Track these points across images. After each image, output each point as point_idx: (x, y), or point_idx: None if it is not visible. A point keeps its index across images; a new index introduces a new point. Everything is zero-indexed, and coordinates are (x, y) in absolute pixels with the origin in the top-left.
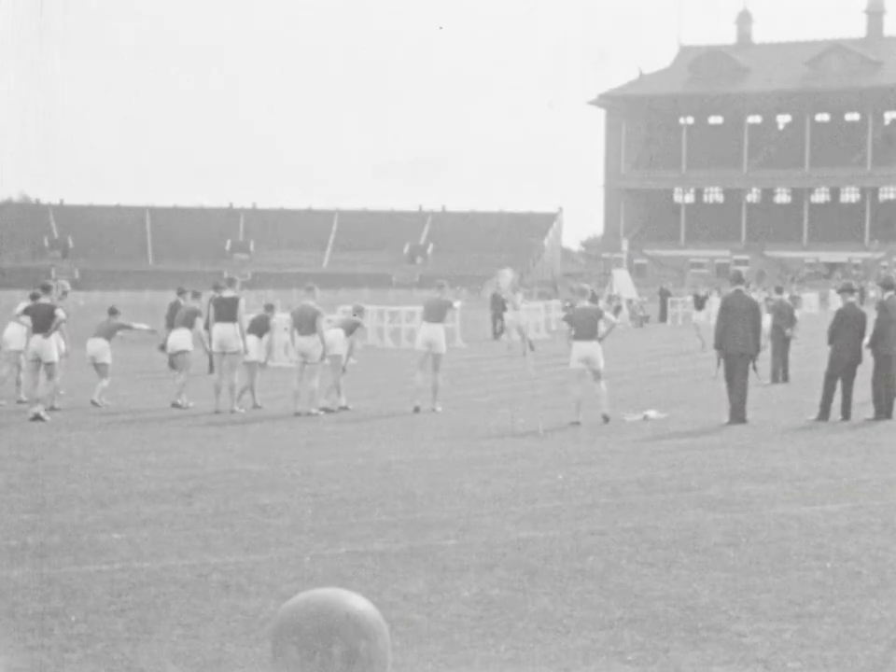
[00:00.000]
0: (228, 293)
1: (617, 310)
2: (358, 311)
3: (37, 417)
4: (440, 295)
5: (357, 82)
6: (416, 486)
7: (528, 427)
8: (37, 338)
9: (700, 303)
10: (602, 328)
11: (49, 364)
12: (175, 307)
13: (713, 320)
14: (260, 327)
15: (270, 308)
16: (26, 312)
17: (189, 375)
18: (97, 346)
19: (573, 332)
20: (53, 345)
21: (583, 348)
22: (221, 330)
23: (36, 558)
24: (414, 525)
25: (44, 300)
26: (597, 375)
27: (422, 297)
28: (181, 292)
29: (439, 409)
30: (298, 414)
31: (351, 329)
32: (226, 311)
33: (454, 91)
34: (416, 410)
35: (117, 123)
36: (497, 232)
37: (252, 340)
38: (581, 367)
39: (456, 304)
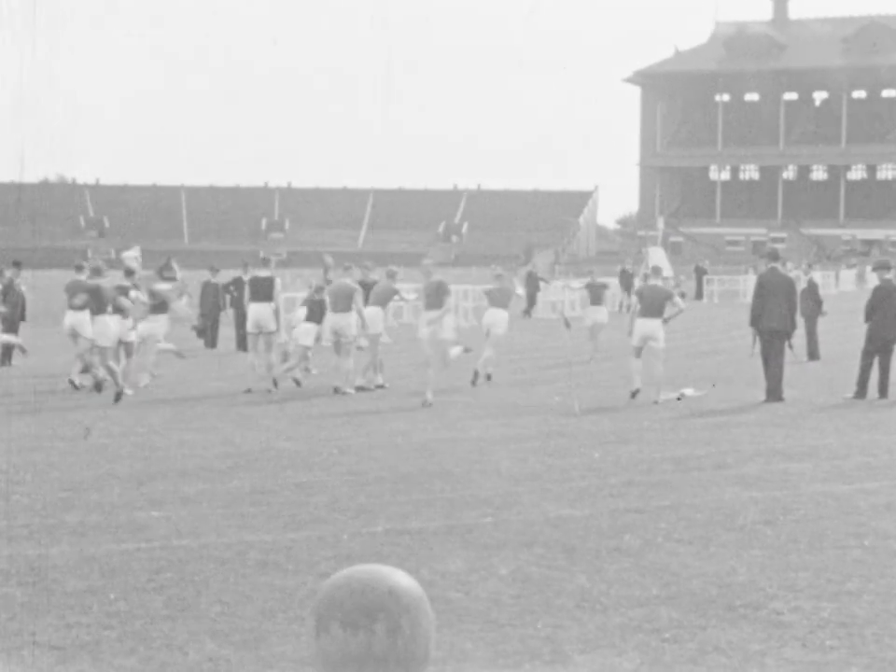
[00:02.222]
0: (263, 273)
1: None
2: (391, 274)
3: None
4: (430, 280)
5: (392, 60)
6: (453, 465)
7: (565, 405)
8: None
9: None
10: (669, 310)
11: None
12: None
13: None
14: (383, 297)
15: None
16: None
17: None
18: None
19: (639, 308)
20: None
21: (647, 325)
22: (257, 310)
23: (75, 536)
24: (452, 504)
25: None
26: (657, 354)
27: (457, 275)
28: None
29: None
30: (336, 391)
31: (386, 300)
32: (261, 291)
33: (490, 68)
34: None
35: (152, 103)
36: (532, 211)
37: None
38: (641, 344)
39: (520, 291)
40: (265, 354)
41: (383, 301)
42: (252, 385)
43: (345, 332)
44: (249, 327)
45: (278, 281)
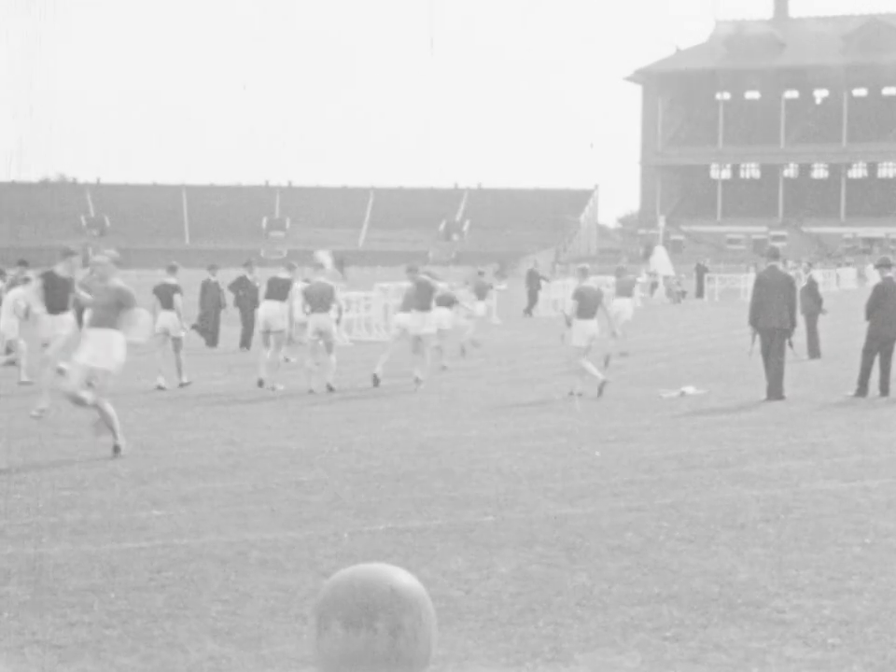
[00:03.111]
0: (284, 275)
1: (653, 287)
2: (477, 277)
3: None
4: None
5: (392, 57)
6: (454, 463)
7: (565, 403)
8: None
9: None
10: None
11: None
12: (207, 285)
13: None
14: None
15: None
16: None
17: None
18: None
19: (578, 310)
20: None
21: (589, 326)
22: (268, 308)
23: (76, 535)
24: (453, 502)
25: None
26: (607, 347)
27: (457, 274)
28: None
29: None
30: (312, 392)
31: (449, 302)
32: (276, 290)
33: (491, 66)
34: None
35: (152, 102)
36: (533, 209)
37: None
38: (587, 344)
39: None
40: (273, 351)
41: (448, 303)
42: (264, 376)
43: (327, 331)
44: (260, 325)
45: (296, 285)
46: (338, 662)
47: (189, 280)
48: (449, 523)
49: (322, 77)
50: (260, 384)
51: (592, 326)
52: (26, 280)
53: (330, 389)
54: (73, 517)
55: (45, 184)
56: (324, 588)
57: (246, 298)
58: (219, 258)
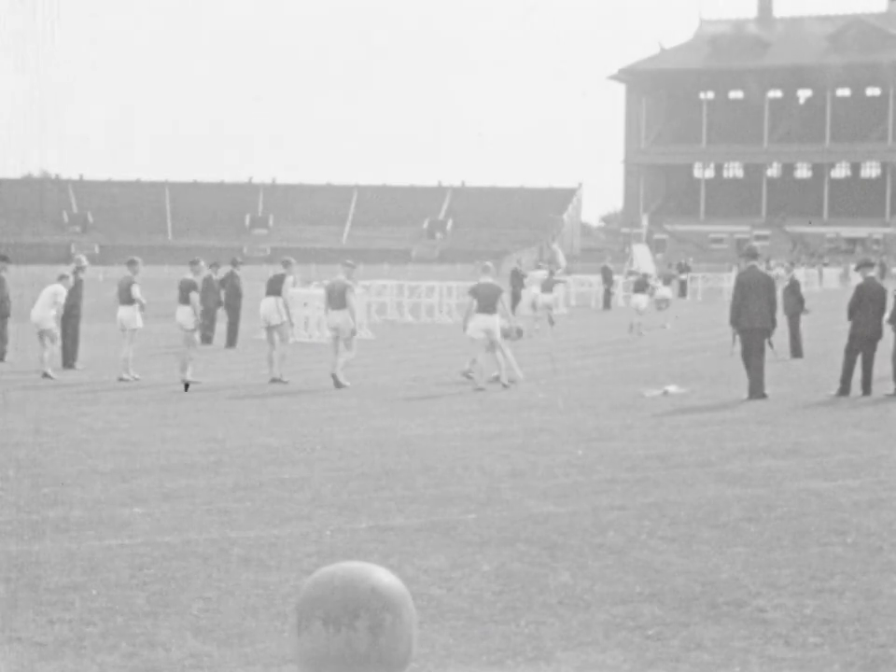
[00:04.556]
0: (280, 271)
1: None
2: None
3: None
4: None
5: (375, 56)
6: (436, 461)
7: (548, 402)
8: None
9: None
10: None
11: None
12: (208, 282)
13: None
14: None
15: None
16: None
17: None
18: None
19: (476, 305)
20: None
21: (485, 320)
22: (265, 304)
23: (58, 532)
24: (435, 500)
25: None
26: (494, 345)
27: (441, 272)
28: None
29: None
30: (334, 378)
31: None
32: (273, 286)
33: (475, 65)
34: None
35: (136, 98)
36: (516, 208)
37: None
38: (482, 336)
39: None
40: (278, 345)
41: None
42: (274, 375)
43: (343, 329)
44: (261, 321)
45: (289, 279)
46: (318, 660)
47: (171, 277)
48: (431, 521)
49: (306, 74)
50: (273, 381)
51: (487, 320)
52: (62, 277)
53: (338, 385)
54: (55, 514)
55: (27, 180)
56: (304, 586)
57: (232, 296)
58: (202, 255)
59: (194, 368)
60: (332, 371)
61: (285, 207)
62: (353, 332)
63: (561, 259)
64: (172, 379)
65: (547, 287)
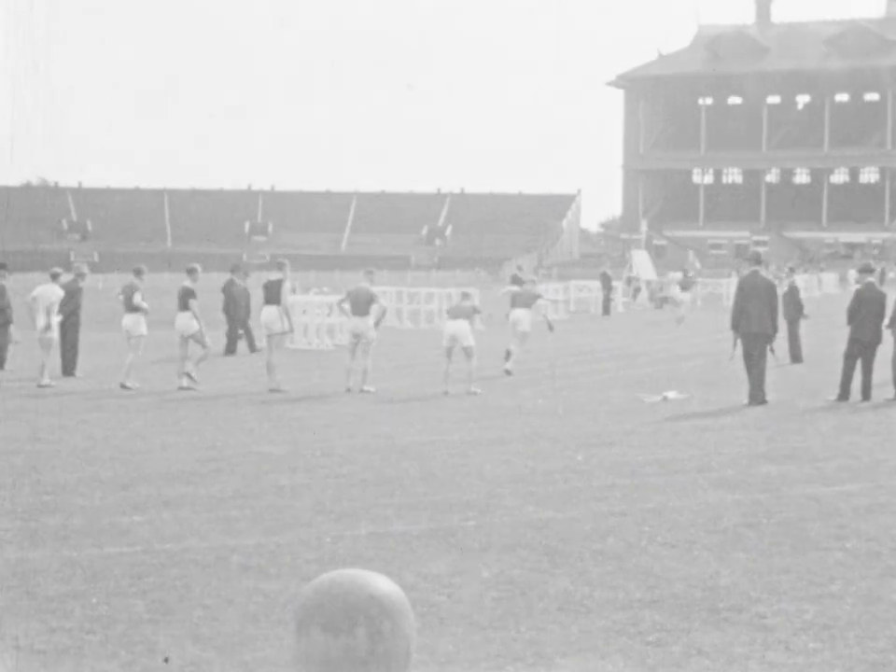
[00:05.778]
0: (275, 275)
1: (636, 291)
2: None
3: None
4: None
5: (376, 64)
6: (436, 467)
7: (547, 408)
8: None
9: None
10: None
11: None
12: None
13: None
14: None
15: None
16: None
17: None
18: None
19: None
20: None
21: (357, 323)
22: (266, 312)
23: (58, 540)
24: (435, 507)
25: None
26: (469, 353)
27: (440, 278)
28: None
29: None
30: (349, 391)
31: (531, 302)
32: (272, 294)
33: (473, 71)
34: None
35: (134, 106)
36: (515, 214)
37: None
38: (450, 344)
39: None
40: (275, 353)
41: (528, 303)
42: (274, 385)
43: (365, 335)
44: (263, 329)
45: (286, 284)
46: (317, 667)
47: (170, 285)
48: (431, 527)
49: (305, 81)
50: (272, 391)
51: (358, 323)
52: (55, 276)
53: (363, 391)
54: (54, 522)
55: (27, 188)
56: (304, 593)
57: (231, 303)
58: (202, 262)
59: (199, 372)
60: (360, 387)
61: (284, 214)
62: (373, 339)
63: (696, 263)
64: (171, 386)
65: (685, 285)
